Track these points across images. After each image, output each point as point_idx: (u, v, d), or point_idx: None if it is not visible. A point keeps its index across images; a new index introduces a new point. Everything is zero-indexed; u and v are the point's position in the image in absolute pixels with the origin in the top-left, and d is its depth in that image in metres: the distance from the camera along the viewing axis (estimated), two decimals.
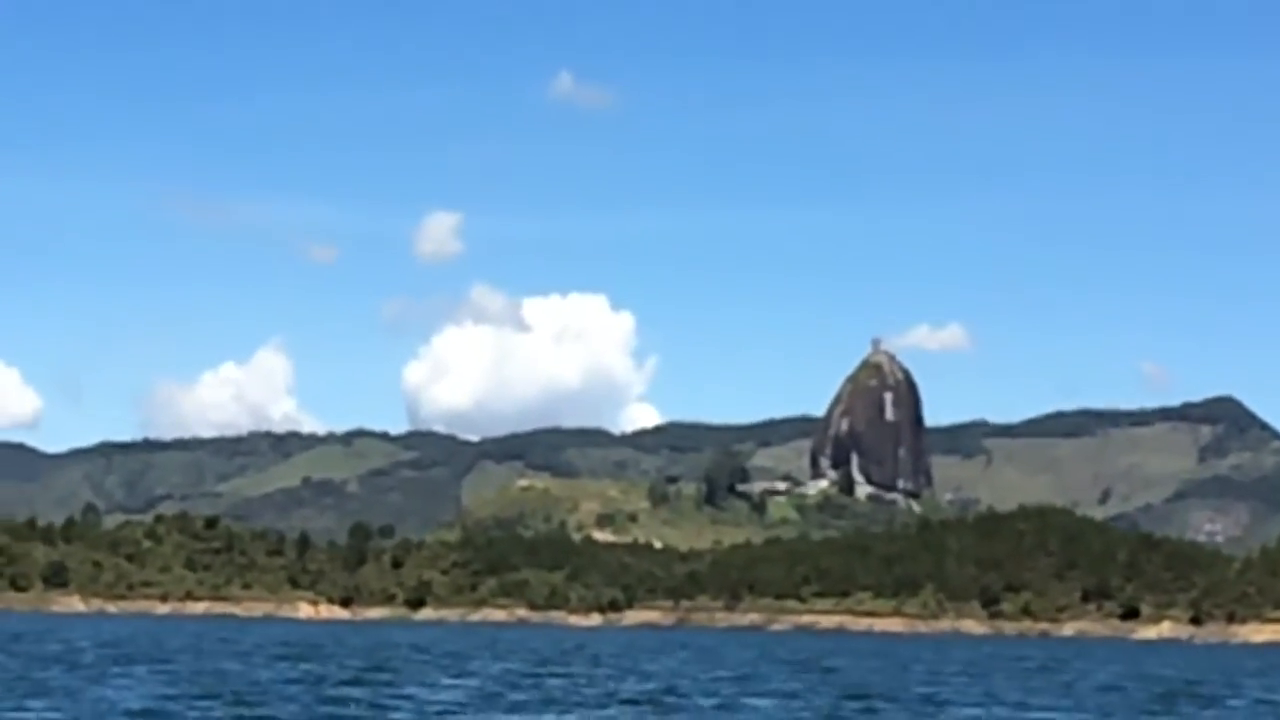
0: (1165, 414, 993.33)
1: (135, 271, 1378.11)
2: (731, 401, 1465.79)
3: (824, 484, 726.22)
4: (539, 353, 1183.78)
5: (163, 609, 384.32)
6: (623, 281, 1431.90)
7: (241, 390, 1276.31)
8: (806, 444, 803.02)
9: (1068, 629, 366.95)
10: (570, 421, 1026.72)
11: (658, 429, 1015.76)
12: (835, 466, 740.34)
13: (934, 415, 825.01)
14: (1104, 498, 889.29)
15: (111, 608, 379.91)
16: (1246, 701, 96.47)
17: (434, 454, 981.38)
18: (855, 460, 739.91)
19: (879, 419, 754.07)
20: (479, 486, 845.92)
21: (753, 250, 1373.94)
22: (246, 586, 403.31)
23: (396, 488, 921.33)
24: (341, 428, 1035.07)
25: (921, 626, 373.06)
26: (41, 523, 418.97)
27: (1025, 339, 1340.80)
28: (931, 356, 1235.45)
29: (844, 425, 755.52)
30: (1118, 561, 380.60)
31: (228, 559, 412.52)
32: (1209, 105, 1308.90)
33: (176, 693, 72.89)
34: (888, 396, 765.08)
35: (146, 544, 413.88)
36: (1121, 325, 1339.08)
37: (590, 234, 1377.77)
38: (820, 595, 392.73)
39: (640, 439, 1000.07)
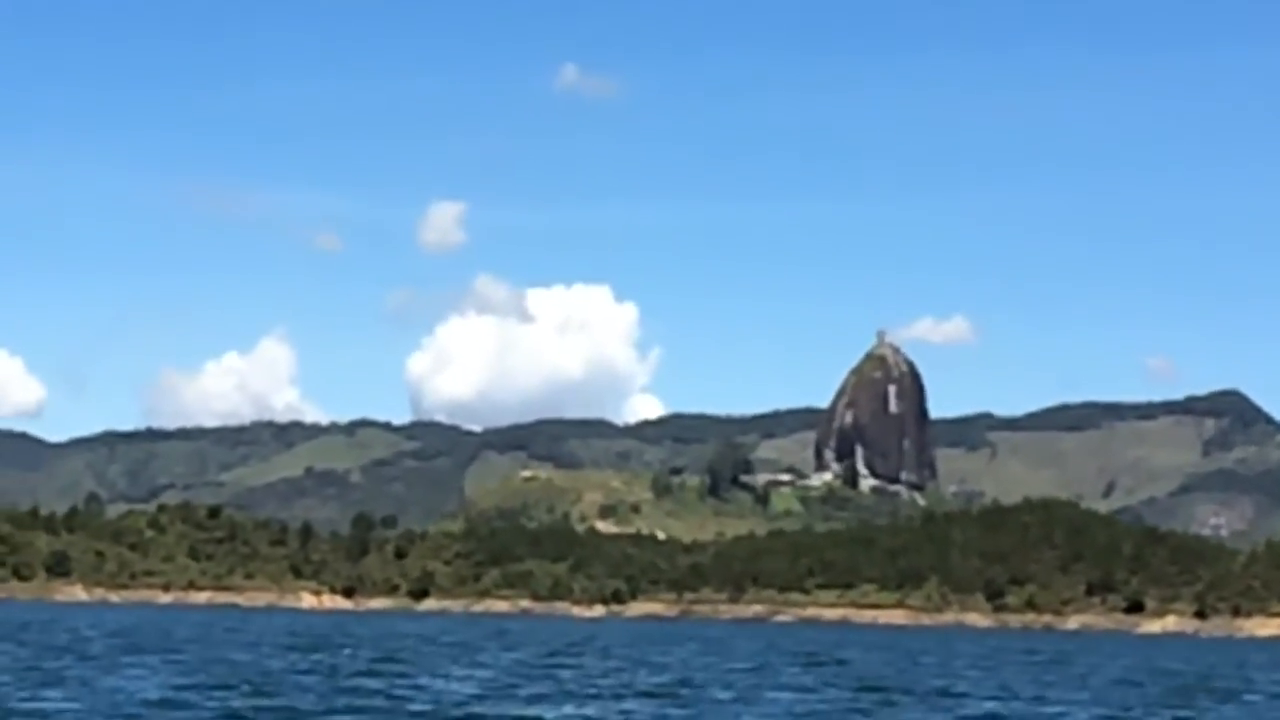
0: (1170, 407, 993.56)
1: (138, 261, 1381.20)
2: (735, 393, 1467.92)
3: (828, 476, 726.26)
4: (542, 343, 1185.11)
5: (165, 598, 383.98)
6: (626, 272, 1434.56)
7: (244, 380, 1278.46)
8: (811, 436, 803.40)
9: (1072, 622, 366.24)
10: (573, 412, 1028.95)
11: (661, 420, 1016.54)
12: (839, 459, 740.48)
13: (938, 408, 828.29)
14: (1108, 491, 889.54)
15: (114, 597, 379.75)
16: (1263, 696, 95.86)
17: (437, 444, 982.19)
18: (859, 452, 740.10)
19: (883, 411, 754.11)
20: (482, 477, 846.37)
21: (757, 242, 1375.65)
22: (249, 576, 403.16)
23: (399, 478, 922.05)
24: (344, 418, 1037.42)
25: (925, 619, 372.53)
26: (44, 512, 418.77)
27: (1030, 332, 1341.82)
28: (936, 349, 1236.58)
29: (848, 417, 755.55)
30: (1122, 555, 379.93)
31: (230, 549, 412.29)
32: (1215, 99, 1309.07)
33: (191, 683, 72.33)
34: (892, 389, 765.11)
35: (149, 533, 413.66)
36: (1126, 318, 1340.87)
37: (594, 225, 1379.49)
38: (824, 587, 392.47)
39: (644, 430, 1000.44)
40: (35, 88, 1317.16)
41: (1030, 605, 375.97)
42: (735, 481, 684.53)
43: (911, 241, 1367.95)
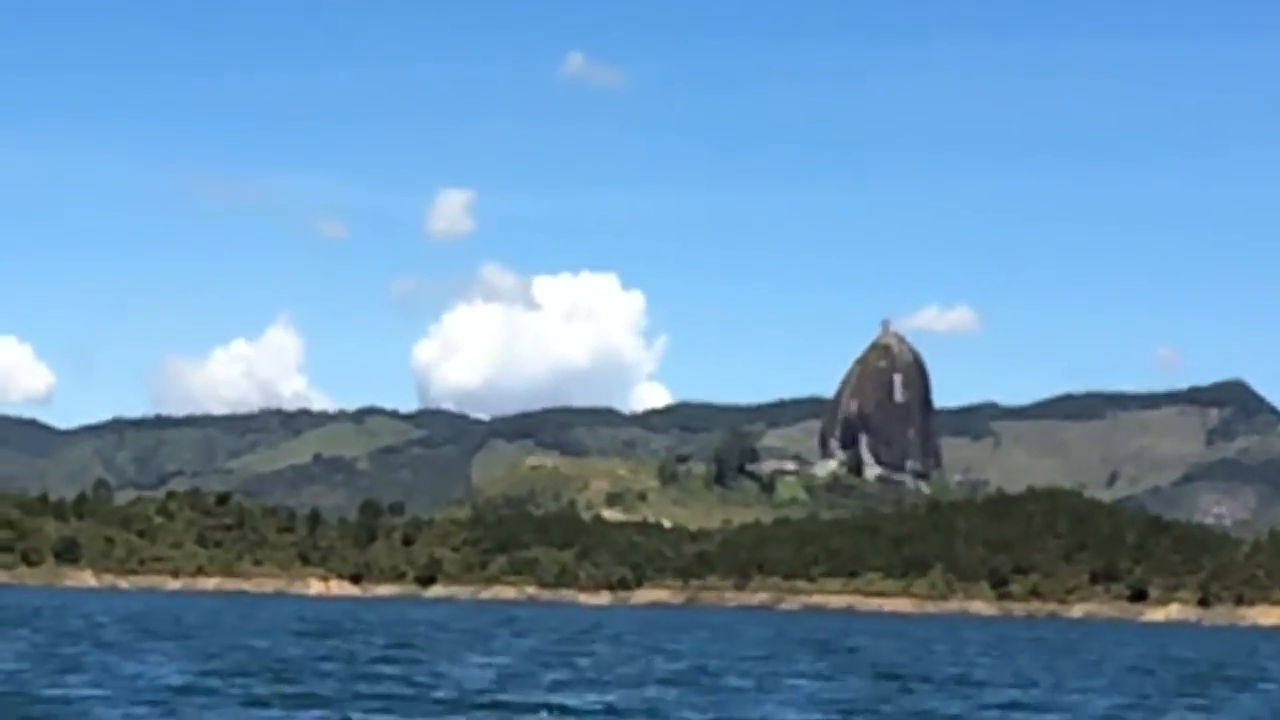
0: (1173, 397, 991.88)
1: (146, 248, 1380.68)
2: (741, 381, 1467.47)
3: (833, 464, 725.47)
4: (549, 331, 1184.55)
5: (174, 585, 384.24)
6: (633, 260, 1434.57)
7: (252, 367, 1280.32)
8: (816, 424, 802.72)
9: (1076, 610, 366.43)
10: (580, 400, 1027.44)
11: (667, 408, 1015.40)
12: (844, 447, 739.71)
13: (943, 397, 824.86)
14: (1112, 480, 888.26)
15: (123, 583, 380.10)
16: (1278, 685, 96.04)
17: (444, 432, 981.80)
18: (864, 441, 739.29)
19: (888, 400, 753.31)
20: (489, 465, 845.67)
21: (763, 230, 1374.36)
22: (257, 563, 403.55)
23: (406, 465, 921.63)
24: (352, 405, 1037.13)
25: (930, 607, 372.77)
26: (53, 498, 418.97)
27: (1034, 321, 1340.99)
28: (941, 338, 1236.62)
29: (853, 406, 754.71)
30: (1126, 544, 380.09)
31: (239, 535, 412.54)
32: (1220, 89, 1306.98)
33: (211, 669, 72.54)
34: (897, 378, 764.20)
35: (158, 520, 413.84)
36: (1130, 308, 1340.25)
37: (601, 213, 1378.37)
38: (829, 575, 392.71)
39: (650, 418, 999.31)
40: (42, 76, 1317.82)
41: (1034, 593, 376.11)
42: (741, 470, 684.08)
43: (916, 230, 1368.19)
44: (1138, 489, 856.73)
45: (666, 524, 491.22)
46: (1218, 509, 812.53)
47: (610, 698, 63.35)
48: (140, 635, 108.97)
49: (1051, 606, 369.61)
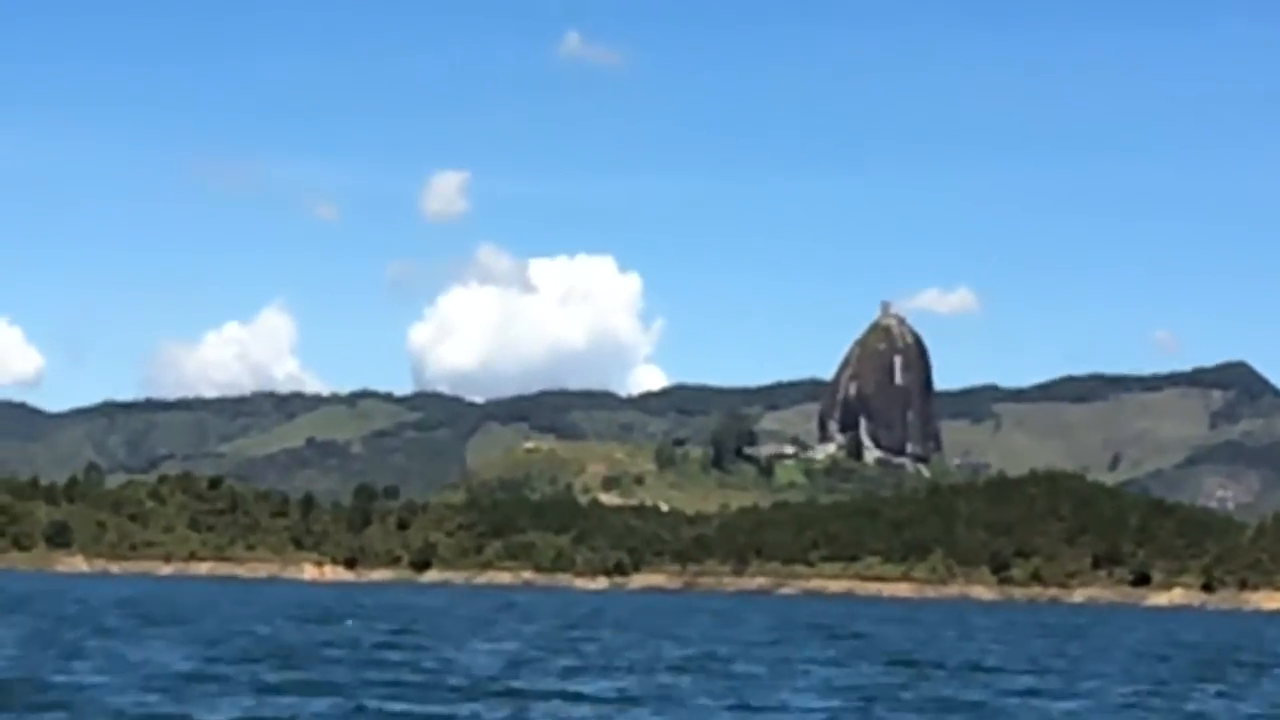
0: (1176, 379, 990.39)
1: (138, 231, 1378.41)
2: (739, 364, 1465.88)
3: (832, 448, 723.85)
4: (545, 314, 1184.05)
5: (166, 569, 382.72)
6: (630, 243, 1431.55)
7: (245, 350, 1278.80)
8: (815, 407, 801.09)
9: (1078, 595, 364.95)
10: (576, 383, 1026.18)
11: (664, 391, 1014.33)
12: (843, 430, 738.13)
13: (943, 379, 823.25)
14: (1114, 463, 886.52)
15: (114, 568, 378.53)
16: None
17: (439, 415, 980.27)
18: (864, 424, 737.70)
19: (888, 383, 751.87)
20: (484, 448, 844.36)
21: (761, 212, 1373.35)
22: (250, 548, 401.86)
23: (401, 449, 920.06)
24: (346, 388, 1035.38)
25: (930, 592, 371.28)
26: (43, 482, 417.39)
27: (1035, 303, 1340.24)
28: (941, 320, 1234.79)
29: (852, 389, 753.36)
30: (1129, 527, 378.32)
31: (232, 520, 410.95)
32: (1220, 76, 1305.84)
33: (216, 656, 71.08)
34: (897, 360, 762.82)
35: (150, 504, 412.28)
36: (1132, 290, 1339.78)
37: (597, 195, 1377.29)
38: (828, 560, 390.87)
39: (647, 401, 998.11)
40: (36, 61, 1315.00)
41: (1036, 578, 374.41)
42: (739, 453, 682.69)
43: (917, 213, 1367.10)
44: (1140, 472, 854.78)
45: (664, 508, 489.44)
46: (1221, 492, 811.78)
47: (623, 684, 61.81)
48: (139, 621, 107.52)
49: (1053, 591, 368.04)
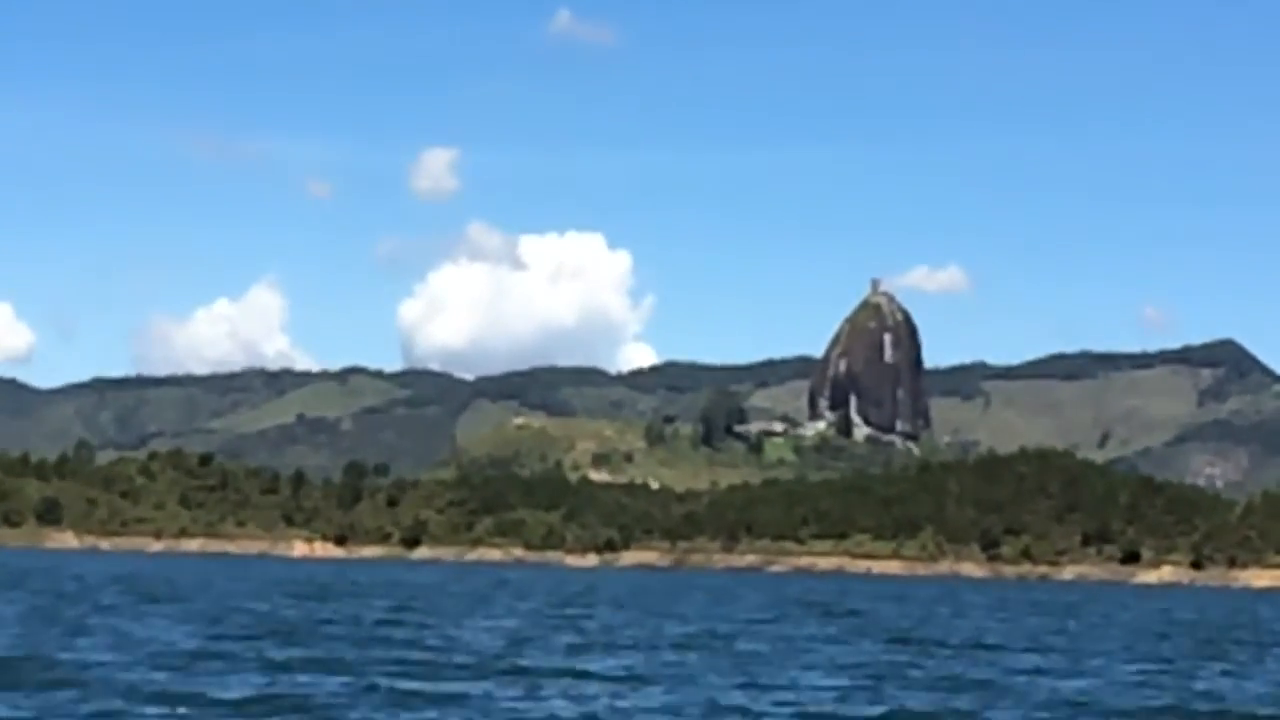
0: (1165, 357, 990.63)
1: (129, 207, 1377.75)
2: (729, 341, 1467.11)
3: (822, 425, 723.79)
4: (535, 291, 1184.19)
5: (156, 546, 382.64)
6: (620, 220, 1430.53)
7: (235, 327, 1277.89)
8: (804, 385, 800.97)
9: (1067, 573, 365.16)
10: (566, 360, 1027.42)
11: (654, 368, 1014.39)
12: (833, 408, 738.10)
13: (933, 357, 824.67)
14: (1103, 441, 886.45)
15: (105, 544, 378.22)
16: None
17: (429, 392, 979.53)
18: (853, 401, 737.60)
19: (878, 360, 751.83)
20: (474, 425, 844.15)
21: (751, 189, 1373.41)
22: (241, 524, 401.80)
23: (390, 426, 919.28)
24: (336, 365, 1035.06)
25: (920, 569, 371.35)
26: (34, 459, 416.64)
27: (1025, 281, 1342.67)
28: (931, 298, 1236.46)
29: (842, 366, 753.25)
30: (1119, 505, 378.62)
31: (222, 496, 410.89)
32: (1211, 50, 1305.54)
33: (218, 633, 70.86)
34: (886, 338, 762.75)
35: (140, 480, 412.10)
36: (1122, 267, 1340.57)
37: (587, 172, 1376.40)
38: (818, 537, 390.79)
39: (637, 378, 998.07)
40: (25, 36, 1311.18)
41: (1026, 555, 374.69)
42: (729, 430, 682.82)
43: (906, 190, 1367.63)
44: (1129, 450, 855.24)
45: (654, 485, 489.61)
46: (1210, 470, 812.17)
47: (629, 662, 61.63)
48: (136, 598, 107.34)
49: (1043, 569, 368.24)
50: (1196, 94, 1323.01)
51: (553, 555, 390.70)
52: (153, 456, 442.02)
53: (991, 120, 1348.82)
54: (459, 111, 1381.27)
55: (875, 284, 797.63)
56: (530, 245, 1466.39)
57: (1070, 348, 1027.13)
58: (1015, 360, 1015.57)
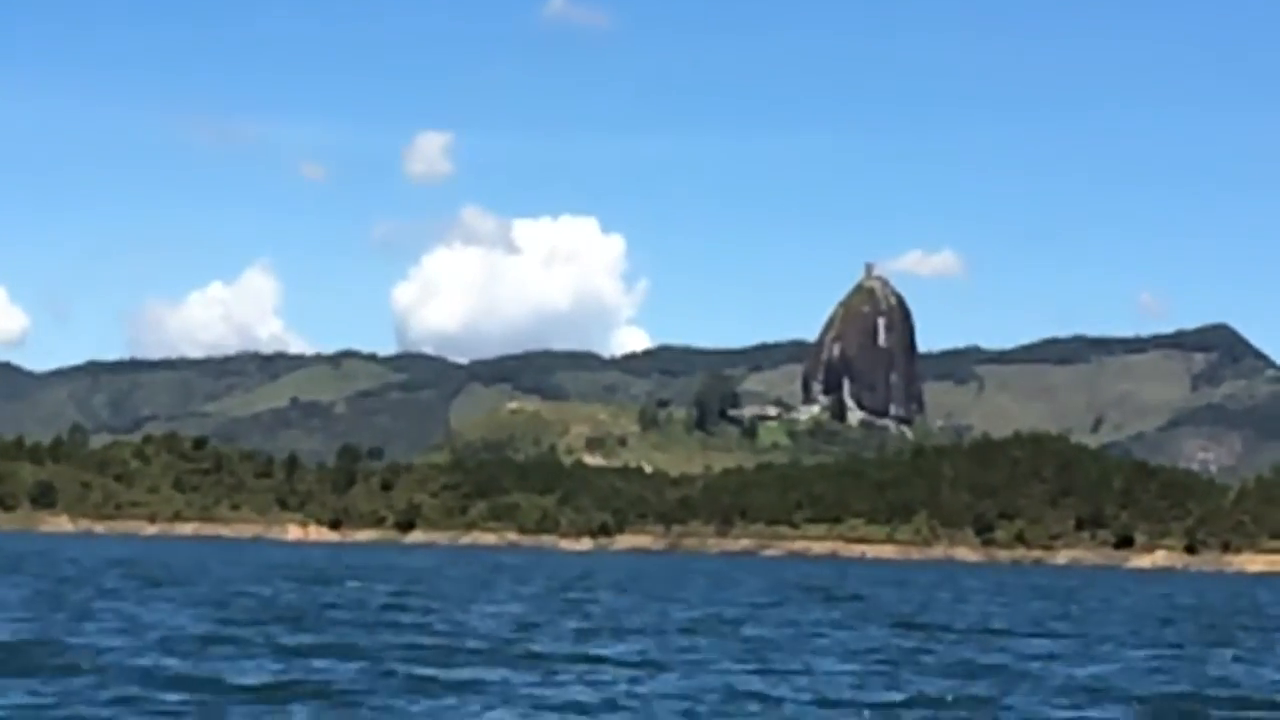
0: (1159, 341, 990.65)
1: (122, 190, 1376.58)
2: (722, 325, 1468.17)
3: (815, 409, 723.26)
4: (529, 275, 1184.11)
5: (151, 529, 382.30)
6: (613, 204, 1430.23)
7: (229, 310, 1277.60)
8: (798, 369, 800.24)
9: (1061, 557, 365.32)
10: (560, 344, 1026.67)
11: (648, 352, 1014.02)
12: (827, 392, 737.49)
13: (926, 341, 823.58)
14: (1096, 425, 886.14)
15: (99, 528, 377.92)
16: None
17: (423, 376, 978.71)
18: (847, 386, 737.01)
19: (871, 344, 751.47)
20: (468, 409, 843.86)
21: (745, 173, 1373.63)
22: (235, 508, 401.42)
23: (384, 409, 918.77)
24: (329, 349, 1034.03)
25: (914, 553, 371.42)
26: (28, 442, 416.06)
27: (1019, 265, 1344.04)
28: (924, 282, 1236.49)
29: (836, 350, 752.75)
30: (1113, 490, 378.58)
31: (216, 480, 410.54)
32: (1206, 37, 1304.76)
33: (226, 617, 70.61)
34: (880, 322, 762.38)
35: (135, 464, 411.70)
36: (1116, 252, 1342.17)
37: (581, 156, 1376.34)
38: (812, 521, 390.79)
39: (630, 362, 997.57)
40: (19, 21, 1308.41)
41: (1020, 540, 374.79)
42: (722, 414, 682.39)
43: (901, 174, 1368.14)
44: (1122, 435, 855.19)
45: (647, 469, 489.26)
46: (1203, 455, 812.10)
47: (640, 648, 61.44)
48: (138, 582, 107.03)
49: (1036, 553, 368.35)
50: (1191, 80, 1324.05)
51: (547, 539, 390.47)
52: (147, 440, 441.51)
53: (986, 106, 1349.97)
54: (453, 95, 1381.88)
55: (869, 268, 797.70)
56: (524, 229, 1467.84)
57: (1064, 332, 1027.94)
58: (1009, 344, 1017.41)
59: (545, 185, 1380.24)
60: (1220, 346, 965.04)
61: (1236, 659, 68.39)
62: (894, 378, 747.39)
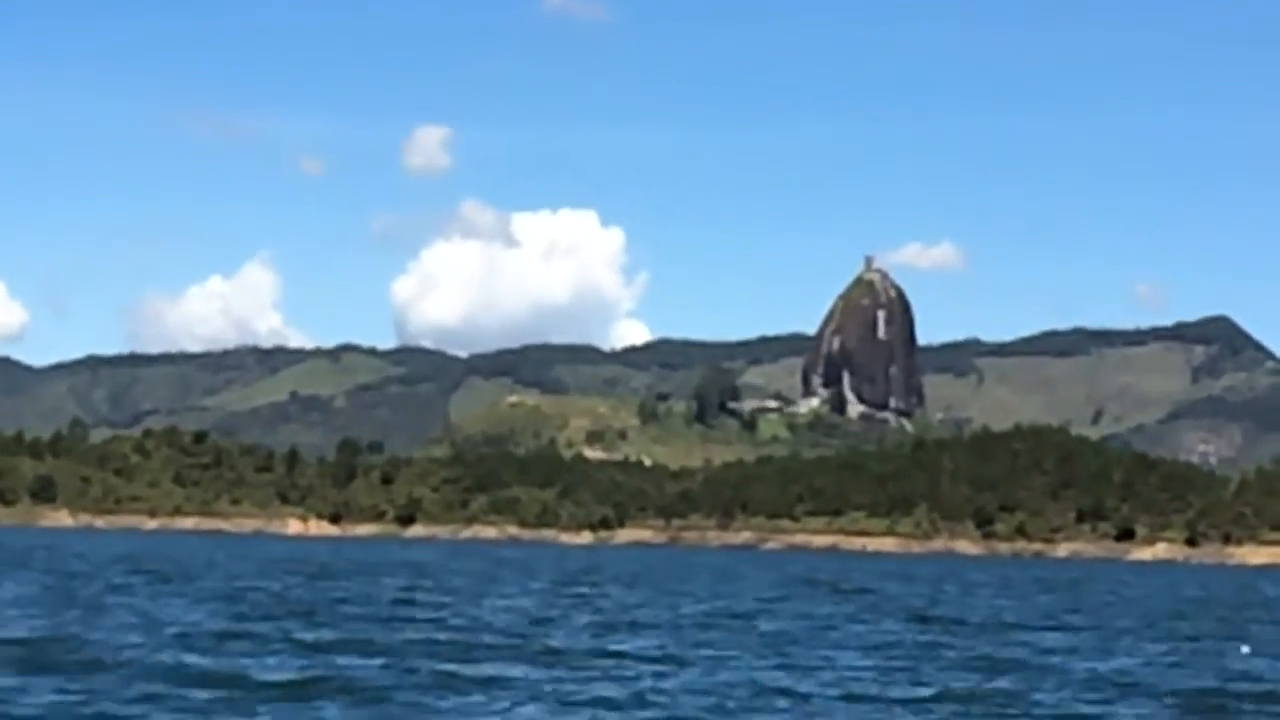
0: (1159, 334, 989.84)
1: (122, 184, 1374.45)
2: (722, 318, 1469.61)
3: (815, 402, 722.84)
4: (529, 268, 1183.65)
5: (151, 524, 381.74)
6: (613, 197, 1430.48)
7: (228, 304, 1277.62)
8: (798, 362, 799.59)
9: (1062, 550, 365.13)
10: (559, 338, 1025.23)
11: (648, 346, 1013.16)
12: (827, 385, 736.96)
13: (926, 334, 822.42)
14: (1096, 418, 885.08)
15: (99, 522, 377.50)
16: None
17: (422, 370, 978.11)
18: (847, 379, 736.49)
19: (871, 337, 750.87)
20: (467, 403, 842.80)
21: (745, 166, 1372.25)
22: (235, 502, 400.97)
23: (384, 403, 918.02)
24: (329, 343, 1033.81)
25: (915, 546, 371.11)
26: (28, 437, 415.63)
27: (1019, 257, 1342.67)
28: (924, 275, 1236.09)
29: (836, 343, 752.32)
30: (1113, 482, 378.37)
31: (216, 474, 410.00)
32: (1205, 28, 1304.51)
33: (239, 613, 70.38)
34: (880, 314, 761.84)
35: (135, 458, 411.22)
36: (1116, 244, 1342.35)
37: (581, 149, 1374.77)
38: (813, 514, 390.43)
39: (630, 356, 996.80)
40: (17, 13, 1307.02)
41: (1020, 532, 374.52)
42: (722, 408, 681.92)
43: (900, 167, 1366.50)
44: (1122, 427, 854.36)
45: (647, 462, 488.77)
46: (1203, 447, 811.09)
47: (657, 642, 61.14)
48: (147, 577, 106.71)
49: (1037, 546, 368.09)
50: (1190, 72, 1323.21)
51: (548, 533, 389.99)
52: (147, 434, 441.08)
53: (985, 98, 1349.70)
54: (452, 88, 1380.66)
55: (869, 261, 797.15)
56: (523, 222, 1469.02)
57: (1064, 324, 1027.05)
58: (1009, 337, 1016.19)
59: (544, 178, 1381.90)
60: (1220, 338, 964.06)
61: (1254, 653, 68.14)
62: (894, 370, 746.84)
